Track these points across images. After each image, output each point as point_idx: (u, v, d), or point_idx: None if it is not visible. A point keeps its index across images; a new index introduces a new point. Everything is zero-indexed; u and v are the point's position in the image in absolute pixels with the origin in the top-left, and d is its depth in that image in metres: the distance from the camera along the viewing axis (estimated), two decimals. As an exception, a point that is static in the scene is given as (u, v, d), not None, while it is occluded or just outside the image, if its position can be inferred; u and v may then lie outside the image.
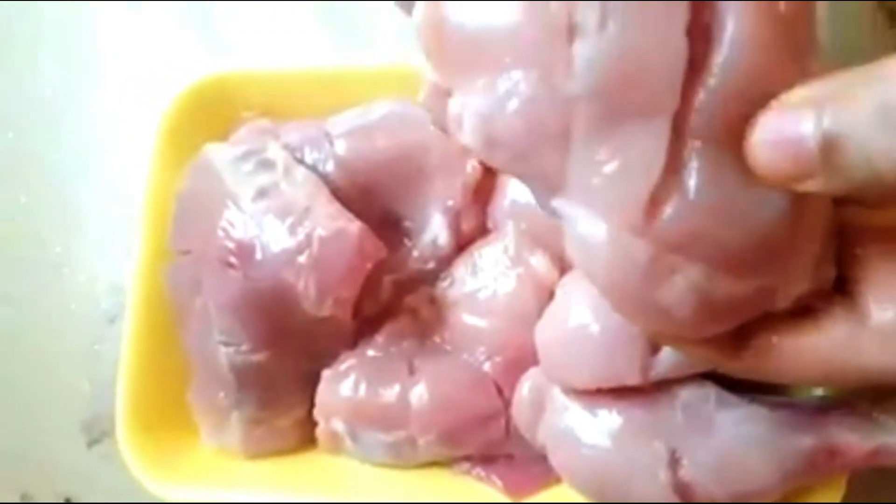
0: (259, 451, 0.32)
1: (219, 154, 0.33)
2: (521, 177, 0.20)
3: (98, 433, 0.38)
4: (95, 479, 0.38)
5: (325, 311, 0.29)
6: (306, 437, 0.32)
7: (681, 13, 0.17)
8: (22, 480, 0.39)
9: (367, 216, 0.32)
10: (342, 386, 0.30)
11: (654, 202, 0.17)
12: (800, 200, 0.18)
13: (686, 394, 0.24)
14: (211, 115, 0.35)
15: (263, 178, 0.31)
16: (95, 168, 0.42)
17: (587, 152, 0.18)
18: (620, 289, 0.19)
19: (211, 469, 0.32)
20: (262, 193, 0.30)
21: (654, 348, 0.24)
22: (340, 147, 0.33)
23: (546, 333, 0.26)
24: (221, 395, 0.31)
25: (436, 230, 0.32)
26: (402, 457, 0.30)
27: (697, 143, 0.17)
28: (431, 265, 0.32)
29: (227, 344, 0.30)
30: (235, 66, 0.36)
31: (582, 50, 0.17)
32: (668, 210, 0.17)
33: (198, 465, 0.32)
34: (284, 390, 0.31)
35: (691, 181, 0.17)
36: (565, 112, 0.18)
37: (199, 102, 0.35)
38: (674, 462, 0.23)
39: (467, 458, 0.30)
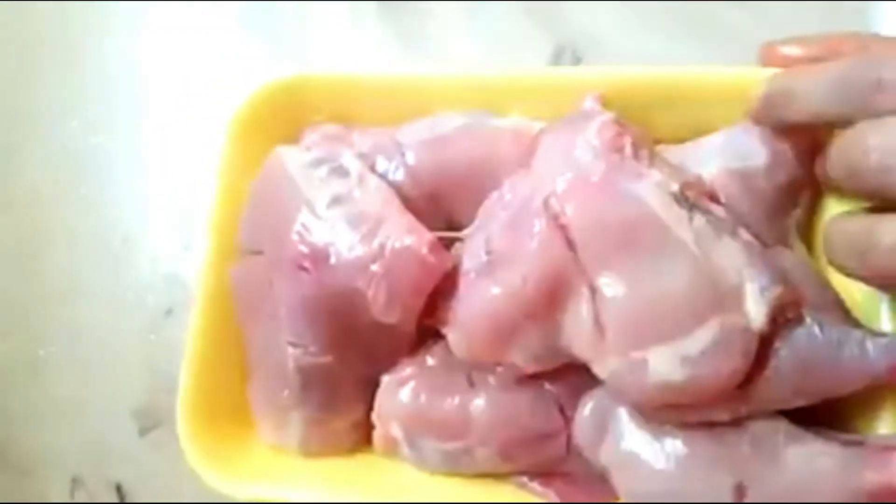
0: (316, 450, 0.32)
1: (291, 158, 0.33)
2: None
3: (151, 422, 0.39)
4: (146, 466, 0.39)
5: (393, 319, 0.30)
6: (363, 439, 0.32)
7: None
8: (73, 465, 0.40)
9: (434, 224, 0.32)
10: (402, 392, 0.31)
11: None
12: None
13: (755, 426, 0.25)
14: (281, 117, 0.36)
15: (337, 186, 0.31)
16: (157, 162, 0.43)
17: None
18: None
19: (267, 465, 0.33)
20: (336, 200, 0.31)
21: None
22: (411, 157, 0.33)
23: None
24: (284, 393, 0.31)
25: (500, 243, 0.32)
26: (459, 466, 0.30)
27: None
28: (494, 278, 0.33)
29: (295, 345, 0.30)
30: (304, 69, 0.37)
31: None
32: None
33: (254, 461, 0.33)
34: (345, 393, 0.32)
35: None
36: None
37: (270, 104, 0.35)
38: (739, 492, 0.24)
39: (524, 472, 0.30)
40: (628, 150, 0.28)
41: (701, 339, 0.24)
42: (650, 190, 0.27)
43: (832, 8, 0.38)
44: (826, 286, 0.28)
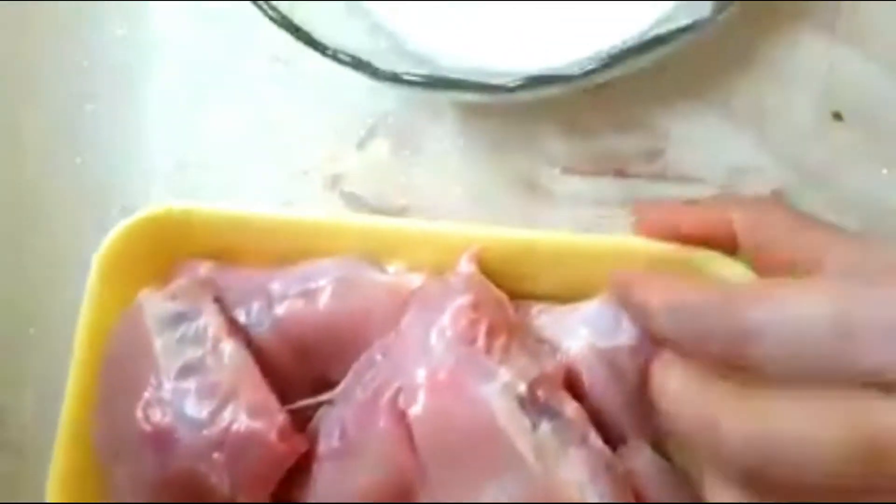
0: None
1: (152, 307, 0.32)
2: None
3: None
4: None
5: (241, 499, 0.29)
6: None
7: None
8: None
9: (300, 381, 0.31)
10: (255, 574, 0.29)
11: None
12: None
13: None
14: (152, 253, 0.34)
15: (191, 352, 0.30)
16: (156, 130, 0.41)
17: None
18: None
19: None
20: (186, 370, 0.29)
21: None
22: (280, 309, 0.32)
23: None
24: (130, 572, 0.30)
25: (370, 403, 0.31)
26: None
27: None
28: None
29: (137, 524, 0.29)
30: (181, 202, 0.35)
31: None
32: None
33: None
34: (196, 570, 0.30)
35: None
36: None
37: (141, 240, 0.34)
38: None
39: None
40: (481, 341, 0.27)
41: None
42: (496, 393, 0.25)
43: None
44: (681, 486, 0.27)
